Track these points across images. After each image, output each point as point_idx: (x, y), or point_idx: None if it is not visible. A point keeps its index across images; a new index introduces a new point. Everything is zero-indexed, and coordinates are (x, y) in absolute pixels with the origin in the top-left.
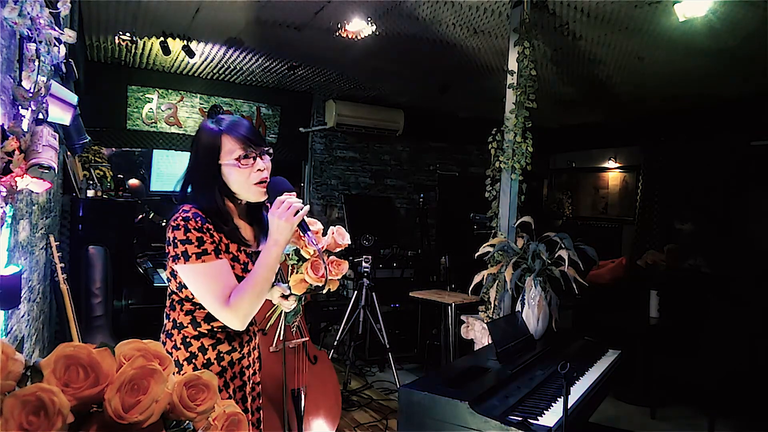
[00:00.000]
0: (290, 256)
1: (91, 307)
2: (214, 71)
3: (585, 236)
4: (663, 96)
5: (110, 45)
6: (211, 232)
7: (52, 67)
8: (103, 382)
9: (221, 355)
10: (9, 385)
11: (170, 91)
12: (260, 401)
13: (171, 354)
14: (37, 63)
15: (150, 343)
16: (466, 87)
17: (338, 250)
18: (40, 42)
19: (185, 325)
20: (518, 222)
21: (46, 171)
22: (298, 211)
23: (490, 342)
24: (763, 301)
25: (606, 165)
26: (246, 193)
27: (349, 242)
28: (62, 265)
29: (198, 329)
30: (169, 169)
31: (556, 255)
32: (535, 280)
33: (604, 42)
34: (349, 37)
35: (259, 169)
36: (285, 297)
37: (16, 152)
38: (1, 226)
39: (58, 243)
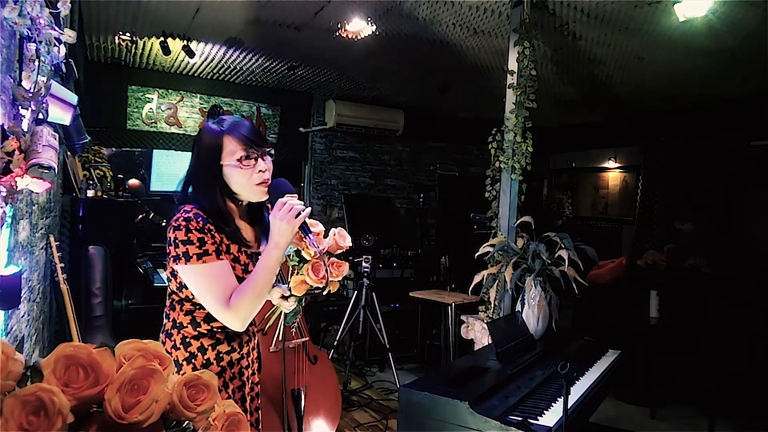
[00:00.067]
0: (291, 257)
1: (91, 307)
2: (214, 71)
3: (585, 236)
4: (663, 96)
5: (110, 45)
6: (213, 232)
7: (52, 67)
8: (103, 382)
9: (220, 355)
10: (9, 385)
11: (170, 91)
12: (259, 401)
13: (170, 354)
14: (37, 63)
15: (150, 343)
16: (466, 87)
17: (339, 251)
18: (40, 42)
19: (185, 325)
20: (518, 222)
21: (46, 171)
22: (299, 213)
23: (490, 342)
24: (763, 301)
25: (606, 165)
26: (247, 193)
27: (350, 244)
28: (62, 265)
29: (198, 329)
30: (169, 169)
31: (556, 255)
32: (535, 280)
33: (604, 42)
34: (349, 37)
35: (260, 170)
36: (285, 298)
37: (16, 152)
38: (1, 226)
39: (58, 243)
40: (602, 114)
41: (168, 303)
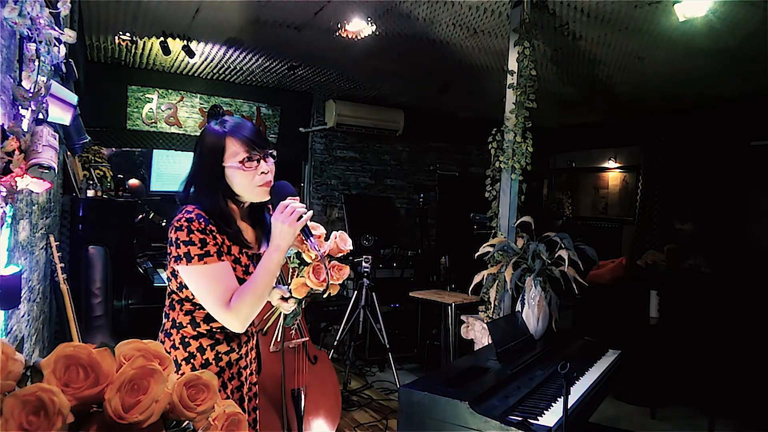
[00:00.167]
0: (291, 259)
1: (91, 307)
2: (214, 71)
3: (585, 236)
4: (663, 96)
5: (110, 45)
6: (214, 234)
7: (52, 67)
8: (103, 382)
9: (219, 355)
10: (9, 385)
11: (170, 91)
12: (257, 401)
13: (169, 353)
14: (37, 63)
15: (150, 343)
16: (466, 87)
17: (340, 255)
18: (40, 42)
19: (184, 325)
20: (518, 222)
21: (46, 171)
22: (301, 216)
23: (490, 342)
24: (763, 301)
25: (606, 165)
26: (249, 195)
27: (351, 248)
28: (62, 265)
29: (197, 329)
30: (169, 169)
31: (556, 255)
32: (535, 280)
33: (604, 42)
34: (349, 37)
35: (262, 172)
36: (285, 299)
37: (16, 152)
38: (1, 226)
39: (58, 243)
40: (602, 114)
41: (168, 303)
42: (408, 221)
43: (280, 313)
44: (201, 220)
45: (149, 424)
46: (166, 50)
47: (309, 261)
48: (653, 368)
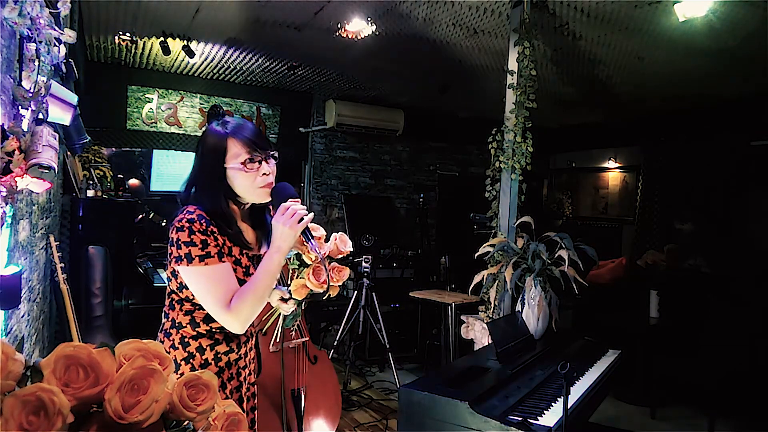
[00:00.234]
0: (291, 260)
1: (91, 307)
2: (214, 71)
3: (585, 236)
4: (663, 96)
5: (110, 45)
6: (215, 235)
7: (52, 67)
8: (103, 382)
9: (219, 355)
10: (9, 385)
11: (170, 91)
12: (255, 401)
13: (168, 353)
14: (37, 63)
15: (150, 343)
16: (466, 87)
17: (340, 256)
18: (40, 42)
19: (184, 325)
20: (518, 222)
21: (46, 171)
22: (302, 219)
23: (490, 342)
24: (763, 301)
25: (606, 165)
26: (251, 196)
27: (351, 249)
28: (62, 265)
29: (197, 329)
30: (169, 169)
31: (556, 255)
32: (535, 280)
33: (604, 42)
34: (349, 37)
35: (264, 173)
36: (284, 300)
37: (16, 152)
38: (1, 226)
39: (58, 243)
40: (602, 114)
41: (167, 302)
42: (408, 221)
43: (280, 314)
44: (202, 221)
45: (149, 424)
46: (166, 50)
47: (309, 262)
48: (653, 368)
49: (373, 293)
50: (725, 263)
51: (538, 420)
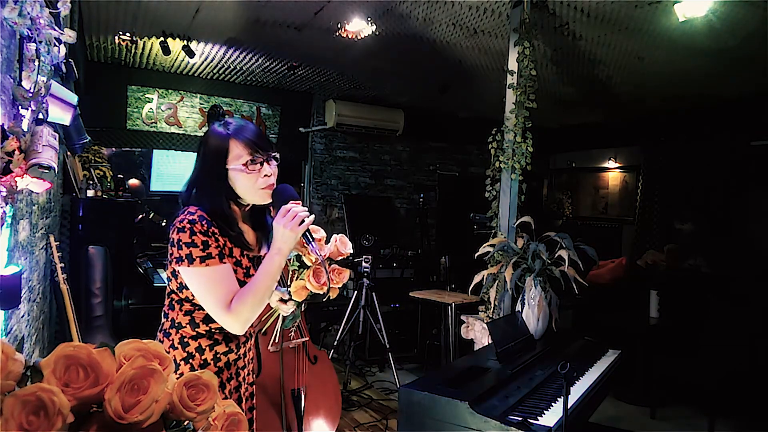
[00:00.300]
0: (291, 261)
1: (91, 307)
2: (214, 71)
3: (585, 236)
4: (663, 96)
5: (110, 45)
6: (216, 236)
7: (52, 67)
8: (103, 382)
9: (218, 355)
10: (9, 385)
11: (170, 91)
12: (253, 401)
13: (168, 353)
14: (37, 63)
15: (150, 343)
16: (466, 87)
17: (340, 258)
18: (40, 42)
19: (183, 325)
20: (518, 222)
21: (46, 171)
22: (303, 221)
23: (490, 342)
24: (763, 301)
25: (606, 165)
26: (252, 197)
27: (351, 251)
28: (62, 265)
29: (196, 330)
30: (169, 169)
31: (556, 255)
32: (535, 280)
33: (604, 42)
34: (349, 37)
35: (266, 175)
36: (284, 301)
37: (16, 152)
38: (1, 226)
39: (58, 243)
40: (602, 114)
41: (167, 302)
42: (408, 221)
43: (279, 314)
44: (203, 222)
45: (149, 424)
46: (166, 50)
47: (309, 264)
48: (653, 368)
49: (373, 293)
50: (725, 263)
51: (538, 420)
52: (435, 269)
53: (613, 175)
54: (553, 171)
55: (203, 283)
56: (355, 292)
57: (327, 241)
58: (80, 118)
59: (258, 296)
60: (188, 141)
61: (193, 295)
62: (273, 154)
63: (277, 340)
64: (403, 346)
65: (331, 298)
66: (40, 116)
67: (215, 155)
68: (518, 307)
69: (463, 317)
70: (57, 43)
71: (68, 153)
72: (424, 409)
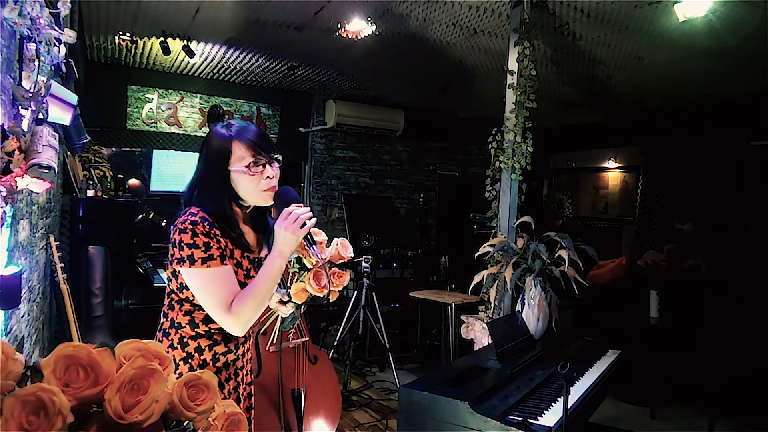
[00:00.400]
0: (292, 263)
1: (91, 307)
2: (214, 71)
3: (585, 236)
4: (663, 96)
5: (110, 45)
6: (218, 237)
7: (52, 67)
8: (103, 382)
9: (217, 356)
10: (9, 385)
11: (170, 91)
12: (251, 401)
13: (167, 353)
14: (37, 63)
15: (150, 343)
16: (466, 87)
17: (341, 261)
18: (40, 42)
19: (183, 325)
20: (518, 222)
21: (46, 171)
22: (304, 224)
23: (490, 342)
24: (763, 301)
25: (606, 165)
26: (254, 199)
27: (352, 255)
28: (62, 265)
29: (196, 330)
30: (169, 169)
31: (556, 255)
32: (535, 280)
33: (604, 42)
34: (349, 37)
35: (268, 176)
36: (283, 303)
37: (16, 152)
38: (1, 226)
39: (58, 243)
40: (602, 114)
41: (167, 302)
42: (408, 221)
43: (278, 316)
44: (205, 224)
45: (149, 424)
46: (166, 50)
47: (310, 267)
48: (653, 368)
49: (373, 293)
50: (725, 263)
51: (538, 420)
52: (435, 269)
53: (613, 175)
54: (553, 171)
55: (204, 284)
56: (355, 292)
57: (328, 245)
58: (80, 118)
59: (258, 298)
60: (188, 141)
61: (193, 296)
62: (275, 155)
63: (276, 341)
64: (403, 346)
65: (330, 301)
66: (40, 116)
67: (218, 156)
68: (518, 307)
69: (463, 317)
70: (57, 43)
71: (68, 153)
72: (424, 409)
